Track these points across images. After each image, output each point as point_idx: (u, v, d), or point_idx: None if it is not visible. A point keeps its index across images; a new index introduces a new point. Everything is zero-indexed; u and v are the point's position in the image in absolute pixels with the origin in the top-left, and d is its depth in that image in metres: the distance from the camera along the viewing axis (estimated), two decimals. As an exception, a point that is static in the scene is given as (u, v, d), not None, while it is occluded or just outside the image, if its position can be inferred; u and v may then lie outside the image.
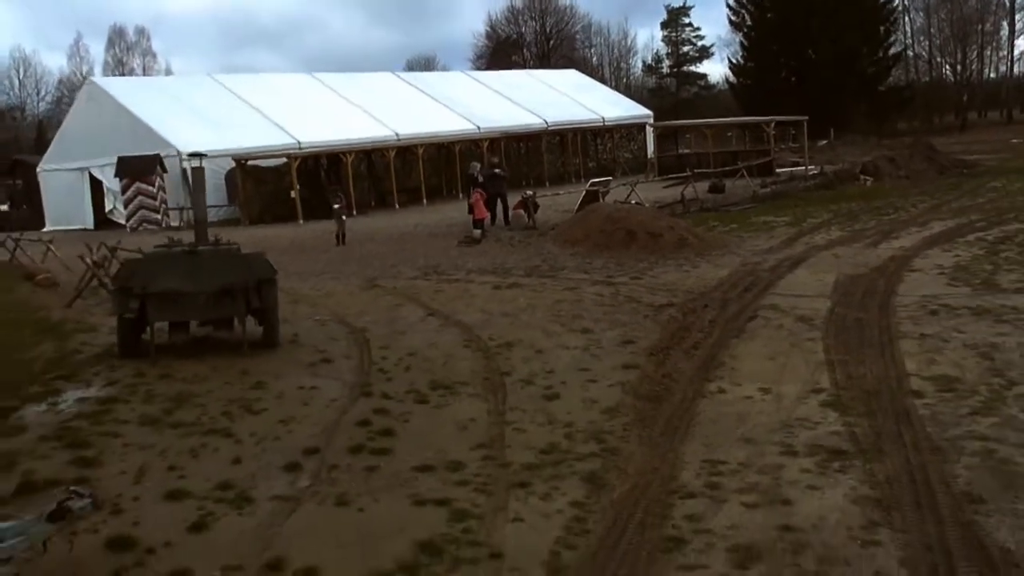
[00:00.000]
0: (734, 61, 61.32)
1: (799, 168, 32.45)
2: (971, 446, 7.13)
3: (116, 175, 27.71)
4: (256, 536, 6.04)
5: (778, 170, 32.20)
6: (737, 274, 15.30)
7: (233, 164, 27.46)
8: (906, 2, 64.53)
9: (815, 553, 5.53)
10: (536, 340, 11.35)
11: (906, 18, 65.07)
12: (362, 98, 33.96)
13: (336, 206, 21.22)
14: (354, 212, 23.91)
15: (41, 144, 61.22)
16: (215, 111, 30.30)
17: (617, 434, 7.87)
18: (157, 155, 27.31)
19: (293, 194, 26.84)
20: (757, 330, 11.46)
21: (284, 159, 28.00)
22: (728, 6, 60.05)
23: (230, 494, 6.74)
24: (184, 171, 27.45)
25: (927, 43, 66.07)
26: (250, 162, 27.84)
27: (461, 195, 29.97)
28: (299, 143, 29.37)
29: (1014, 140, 46.77)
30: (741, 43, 60.55)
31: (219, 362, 10.46)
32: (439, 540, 5.89)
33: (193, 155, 18.05)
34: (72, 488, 5.94)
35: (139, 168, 27.12)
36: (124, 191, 27.69)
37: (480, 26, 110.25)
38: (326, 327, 12.39)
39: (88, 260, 14.70)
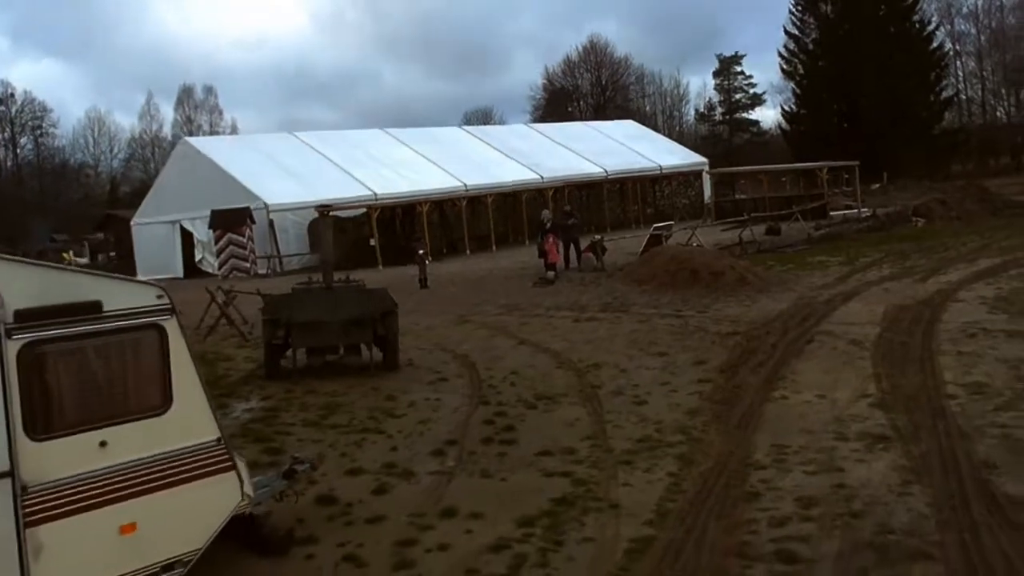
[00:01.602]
0: (787, 108, 63.20)
1: (852, 211, 33.99)
2: (992, 431, 8.81)
3: (209, 226, 30.45)
4: (427, 495, 8.03)
5: (832, 213, 33.77)
6: (795, 307, 16.98)
7: (316, 215, 29.98)
8: (957, 47, 65.98)
9: (861, 500, 7.30)
10: (619, 361, 13.24)
11: (957, 63, 66.43)
12: (432, 151, 36.55)
13: (420, 252, 23.45)
14: (429, 258, 26.09)
15: (114, 199, 65.27)
16: (297, 165, 33.06)
17: (699, 428, 9.71)
18: (247, 208, 29.99)
19: (373, 242, 29.21)
20: (814, 351, 13.19)
21: (363, 209, 30.47)
22: (780, 55, 62.17)
23: (396, 470, 8.74)
24: (271, 222, 30.06)
25: (980, 86, 67.20)
26: (331, 212, 30.35)
27: (528, 241, 32.13)
28: (375, 194, 31.88)
29: (1070, 181, 47.51)
30: (793, 90, 62.42)
31: (352, 381, 12.54)
32: (569, 497, 7.80)
33: (321, 207, 20.44)
34: (295, 455, 7.94)
35: (231, 220, 29.82)
36: (217, 241, 30.37)
37: (534, 78, 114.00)
38: (433, 354, 14.43)
39: (218, 301, 17.01)
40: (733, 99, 77.06)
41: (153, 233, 34.34)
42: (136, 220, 35.36)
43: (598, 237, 25.38)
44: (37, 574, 5.13)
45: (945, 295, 17.11)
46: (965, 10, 66.32)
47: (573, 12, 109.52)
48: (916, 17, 58.52)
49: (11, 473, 5.06)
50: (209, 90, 73.59)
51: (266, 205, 29.95)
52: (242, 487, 6.13)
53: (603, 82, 72.32)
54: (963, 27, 67.02)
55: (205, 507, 5.89)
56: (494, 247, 32.74)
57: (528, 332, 16.13)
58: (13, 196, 55.29)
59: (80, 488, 5.32)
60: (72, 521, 5.28)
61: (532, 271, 24.47)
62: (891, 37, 55.14)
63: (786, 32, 61.33)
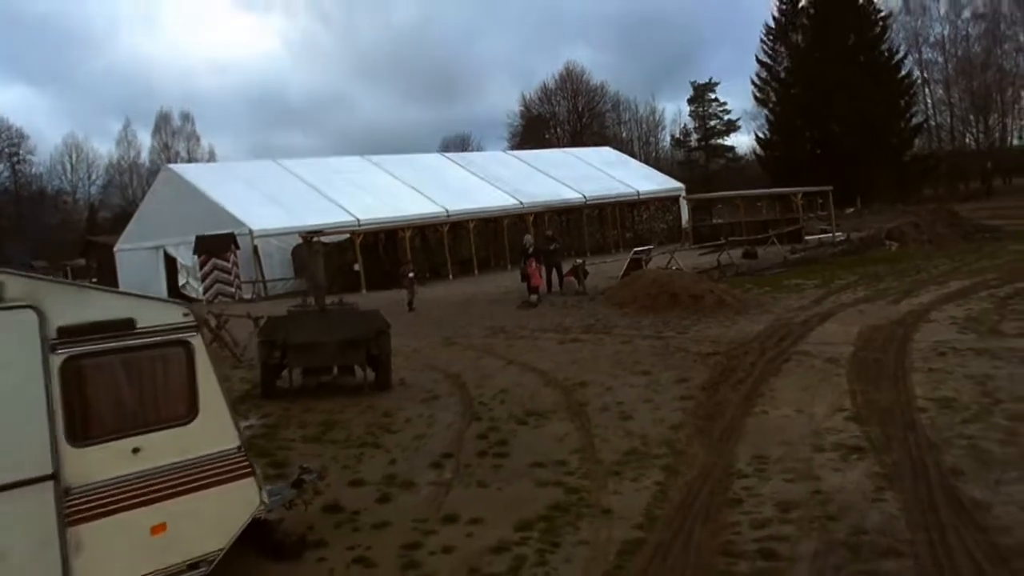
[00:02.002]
0: (760, 135, 64.56)
1: (827, 235, 34.86)
2: (959, 442, 9.38)
3: (194, 252, 30.76)
4: (428, 503, 8.47)
5: (807, 237, 34.62)
6: (772, 328, 17.59)
7: (300, 240, 30.41)
8: (925, 75, 67.74)
9: (837, 504, 7.83)
10: (604, 380, 13.74)
11: (926, 90, 68.17)
12: (413, 177, 37.13)
13: (411, 275, 23.92)
14: (417, 282, 26.52)
15: (93, 225, 65.24)
16: (280, 192, 33.49)
17: (683, 441, 10.22)
18: (231, 233, 30.34)
19: (357, 267, 29.64)
20: (791, 369, 13.76)
21: (347, 235, 30.92)
22: (752, 82, 63.57)
23: (397, 481, 9.18)
24: (255, 248, 30.42)
25: (948, 113, 68.92)
26: (315, 238, 30.78)
27: (510, 266, 32.67)
28: (358, 220, 32.36)
29: (1038, 205, 48.75)
30: (767, 117, 63.80)
31: (347, 400, 12.96)
32: (563, 504, 8.27)
33: (311, 234, 20.99)
34: (303, 465, 8.35)
35: (215, 246, 30.16)
36: (202, 267, 30.69)
37: (510, 103, 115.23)
38: (424, 374, 14.87)
39: (210, 325, 17.34)
40: (708, 125, 78.49)
41: (136, 259, 34.58)
42: (119, 246, 35.59)
43: (580, 261, 25.96)
44: (77, 570, 5.53)
45: (917, 316, 17.78)
46: (932, 39, 68.17)
47: (547, 39, 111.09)
48: (884, 46, 60.13)
49: (55, 476, 5.47)
50: (186, 116, 73.99)
51: (250, 231, 30.34)
52: (260, 492, 6.55)
53: (580, 109, 73.49)
54: (931, 55, 68.87)
55: (228, 510, 6.32)
56: (476, 272, 33.25)
57: (515, 353, 16.60)
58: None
59: (116, 491, 5.74)
60: (109, 521, 5.69)
61: (515, 295, 24.98)
62: (861, 65, 56.62)
63: (758, 60, 62.85)
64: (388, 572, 6.99)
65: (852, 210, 47.56)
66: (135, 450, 5.84)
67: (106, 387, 5.75)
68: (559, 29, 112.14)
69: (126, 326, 5.82)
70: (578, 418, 11.55)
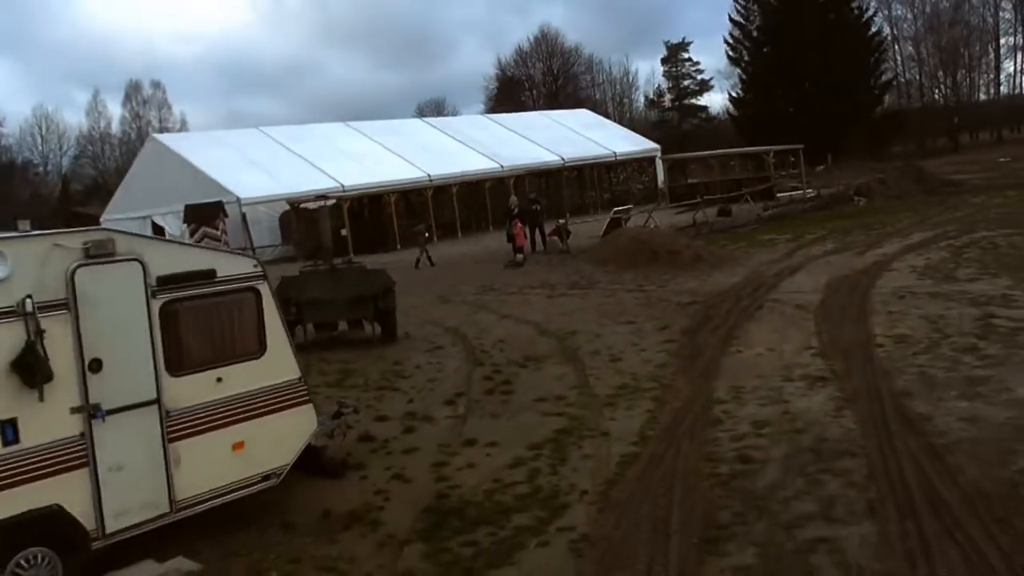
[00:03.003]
0: (733, 95, 65.75)
1: (798, 192, 36.25)
2: (910, 371, 10.76)
3: (184, 221, 31.56)
4: (448, 431, 9.77)
5: (779, 195, 35.99)
6: (746, 280, 18.94)
7: (287, 207, 31.37)
8: (895, 32, 69.14)
9: (803, 421, 9.18)
10: (592, 329, 15.03)
11: (896, 47, 69.60)
12: (394, 143, 38.03)
13: (426, 234, 25.48)
14: (432, 241, 27.81)
15: (66, 197, 65.36)
16: (266, 160, 34.31)
17: (668, 377, 11.54)
18: (220, 201, 31.17)
19: (344, 232, 30.65)
20: (764, 315, 15.11)
21: (333, 200, 31.86)
22: (726, 42, 64.65)
23: (417, 417, 10.46)
24: (243, 215, 31.33)
25: (917, 70, 70.47)
26: (301, 204, 31.74)
27: (491, 228, 33.83)
28: (343, 186, 33.30)
29: (1001, 159, 50.60)
30: (740, 77, 64.98)
31: (357, 352, 14.17)
32: (567, 428, 9.58)
33: (320, 197, 22.09)
34: (340, 401, 9.57)
35: (204, 214, 30.96)
36: (192, 235, 31.48)
37: (483, 66, 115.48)
38: (425, 328, 16.08)
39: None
40: (681, 85, 79.55)
41: (124, 229, 35.23)
42: (106, 216, 36.24)
43: (562, 221, 27.15)
44: (176, 479, 6.75)
45: (880, 266, 19.18)
46: (902, -5, 69.43)
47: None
48: (855, 3, 61.35)
49: (158, 401, 6.68)
50: (157, 85, 73.84)
51: (238, 199, 31.21)
52: (317, 418, 7.79)
53: (555, 71, 74.34)
54: (900, 12, 70.23)
55: (292, 431, 7.56)
56: (460, 234, 34.34)
57: (507, 308, 17.85)
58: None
59: (204, 414, 6.96)
60: (199, 439, 6.91)
61: (500, 255, 26.15)
62: (831, 24, 57.84)
63: (731, 20, 63.90)
64: (423, 484, 8.28)
65: (822, 167, 49.03)
66: (218, 380, 7.05)
67: (194, 326, 6.94)
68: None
69: (209, 275, 7.00)
70: (572, 361, 12.85)
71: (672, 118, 78.29)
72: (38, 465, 6.04)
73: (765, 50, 61.12)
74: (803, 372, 11.18)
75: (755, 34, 62.90)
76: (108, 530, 6.37)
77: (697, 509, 7.20)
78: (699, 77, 78.84)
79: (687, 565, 6.25)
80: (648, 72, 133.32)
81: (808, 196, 35.47)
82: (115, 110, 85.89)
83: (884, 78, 63.77)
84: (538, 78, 75.07)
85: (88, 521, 6.27)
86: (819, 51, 55.79)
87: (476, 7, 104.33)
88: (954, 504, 6.90)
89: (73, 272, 6.26)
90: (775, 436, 8.82)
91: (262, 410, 7.32)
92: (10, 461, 5.92)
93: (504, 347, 14.07)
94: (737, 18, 63.35)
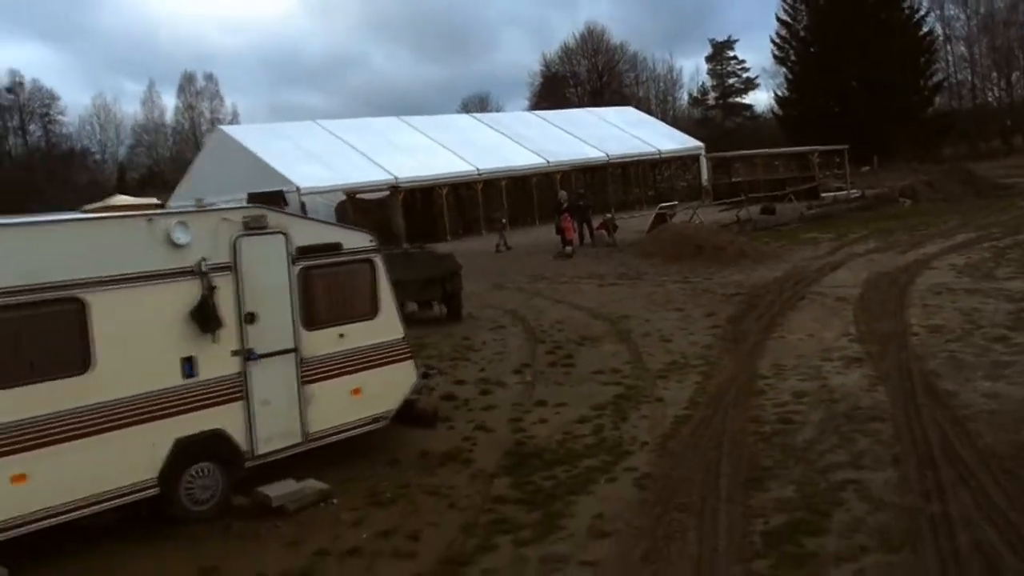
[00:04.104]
0: (779, 93, 66.40)
1: (842, 192, 37.17)
2: (941, 355, 11.96)
3: (245, 209, 33.27)
4: (520, 394, 11.20)
5: (823, 194, 36.92)
6: (789, 274, 20.11)
7: (344, 197, 32.98)
8: (947, 32, 69.27)
9: (839, 393, 10.45)
10: (642, 315, 16.36)
11: (947, 47, 69.72)
12: (445, 137, 39.53)
13: (503, 221, 28.49)
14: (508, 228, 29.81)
15: (123, 185, 67.79)
16: (323, 152, 35.97)
17: (715, 356, 12.85)
18: (280, 191, 32.85)
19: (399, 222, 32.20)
20: (805, 306, 16.33)
21: (387, 192, 33.47)
22: (772, 41, 65.29)
23: (491, 382, 11.89)
24: (303, 204, 32.99)
25: (970, 71, 70.54)
26: (357, 195, 33.36)
27: (538, 221, 35.22)
28: (396, 178, 34.85)
29: (1053, 163, 50.71)
30: (785, 75, 65.61)
31: (428, 330, 15.62)
32: (624, 395, 10.95)
33: (391, 188, 23.76)
34: (427, 364, 11.04)
35: (266, 203, 32.58)
36: (252, 222, 33.21)
37: (526, 60, 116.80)
38: (485, 311, 17.52)
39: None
40: (726, 83, 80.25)
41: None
42: (171, 204, 38.15)
43: (610, 215, 28.49)
44: (308, 414, 8.25)
45: (921, 264, 20.24)
46: (955, -5, 69.52)
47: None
48: (906, 3, 61.70)
49: (296, 349, 8.17)
50: (209, 77, 76.23)
51: (298, 188, 32.85)
52: (417, 372, 9.26)
53: (600, 68, 75.50)
54: (953, 12, 70.32)
55: (398, 382, 9.04)
56: (508, 227, 35.78)
57: (560, 295, 19.23)
58: (24, 182, 57.81)
59: (330, 362, 8.45)
60: (326, 383, 8.39)
61: (549, 248, 27.52)
62: (881, 23, 58.29)
63: (778, 19, 64.50)
64: (503, 434, 9.71)
65: (868, 168, 49.68)
66: (341, 335, 8.53)
67: (324, 289, 8.43)
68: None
69: (336, 247, 8.49)
70: (625, 341, 14.20)
71: (716, 116, 79.03)
72: (208, 395, 7.57)
73: (812, 50, 61.70)
74: (841, 354, 12.42)
75: (802, 33, 63.50)
76: (257, 452, 7.89)
77: (743, 457, 8.53)
78: (744, 75, 79.57)
79: (735, 496, 7.58)
80: (692, 70, 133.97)
81: (852, 196, 36.36)
82: (169, 101, 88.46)
83: (935, 79, 64.00)
84: (583, 75, 76.31)
85: (243, 443, 7.80)
86: (868, 51, 56.30)
87: (521, 3, 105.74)
88: (969, 459, 8.16)
89: (236, 240, 7.78)
90: (813, 404, 10.11)
91: (375, 362, 8.80)
92: (189, 391, 7.44)
93: (561, 328, 15.45)
94: (784, 17, 63.97)
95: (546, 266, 24.47)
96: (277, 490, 7.83)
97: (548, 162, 40.02)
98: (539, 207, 36.71)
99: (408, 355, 9.21)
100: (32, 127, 68.39)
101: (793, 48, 63.81)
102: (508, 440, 9.51)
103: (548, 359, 13.13)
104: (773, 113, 69.05)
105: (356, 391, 8.62)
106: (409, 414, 9.82)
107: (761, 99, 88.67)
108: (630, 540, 6.86)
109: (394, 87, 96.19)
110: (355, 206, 33.18)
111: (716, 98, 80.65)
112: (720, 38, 79.14)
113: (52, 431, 6.71)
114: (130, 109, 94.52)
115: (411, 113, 42.90)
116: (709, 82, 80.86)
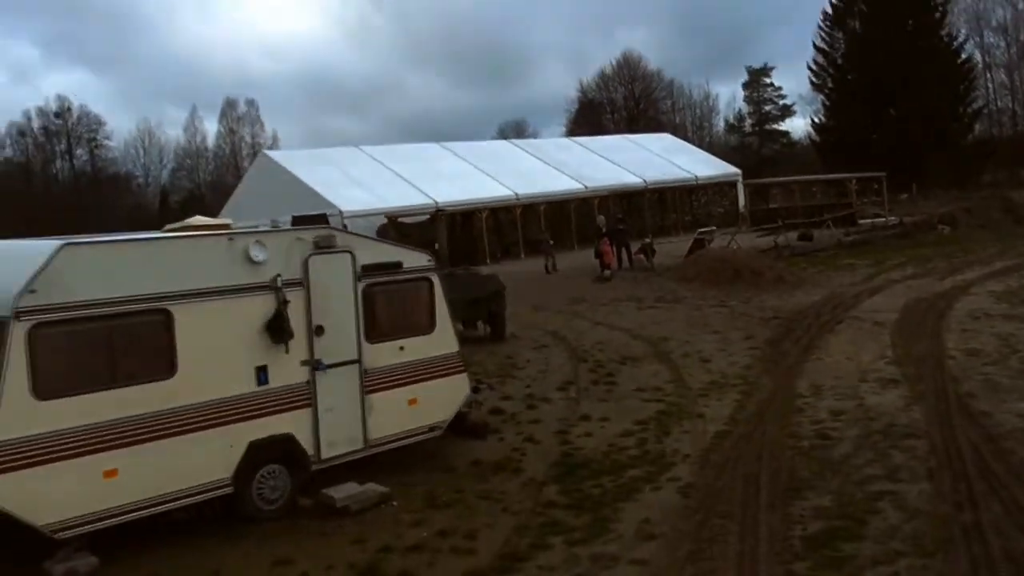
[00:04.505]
0: (816, 120, 66.51)
1: (880, 219, 37.27)
2: (977, 377, 12.27)
3: (289, 232, 34.18)
4: (565, 409, 11.69)
5: (861, 221, 37.05)
6: (826, 299, 20.41)
7: (385, 221, 33.74)
8: (987, 59, 69.10)
9: (875, 412, 10.81)
10: (682, 336, 16.77)
11: (988, 75, 69.51)
12: (484, 163, 40.26)
13: (550, 242, 29.58)
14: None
15: (165, 209, 69.43)
16: (365, 176, 36.84)
17: (753, 376, 13.24)
18: (324, 214, 33.66)
19: (437, 246, 32.86)
20: (843, 330, 16.65)
21: (427, 216, 34.20)
22: (809, 68, 65.53)
23: (536, 398, 12.39)
24: (345, 227, 33.81)
25: (1010, 98, 70.25)
26: (399, 219, 34.13)
27: (576, 246, 35.71)
28: (436, 203, 35.58)
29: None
30: (823, 103, 65.73)
31: (472, 348, 15.98)
32: (666, 411, 11.39)
33: (437, 212, 24.40)
34: (478, 379, 11.56)
35: (312, 225, 33.51)
36: (295, 245, 34.11)
37: (562, 87, 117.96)
38: (528, 331, 18.01)
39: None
40: (763, 110, 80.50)
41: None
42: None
43: (648, 240, 28.92)
44: (369, 422, 8.80)
45: (959, 290, 20.46)
46: (994, 23, 69.42)
47: (601, 20, 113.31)
48: (944, 31, 61.72)
49: (359, 361, 8.74)
50: (251, 103, 77.75)
51: (341, 212, 33.65)
52: (469, 385, 9.79)
53: (636, 95, 76.15)
54: (992, 40, 70.14)
55: (452, 393, 9.58)
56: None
57: (599, 316, 19.69)
58: (72, 205, 59.53)
59: (389, 374, 9.00)
60: (386, 393, 8.95)
61: (588, 271, 27.99)
62: (920, 51, 58.31)
63: (815, 47, 64.74)
64: (550, 445, 10.19)
65: (906, 195, 49.64)
66: (400, 348, 9.09)
67: (386, 305, 9.01)
68: (613, 11, 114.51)
69: (397, 266, 9.08)
70: (666, 361, 14.63)
71: (752, 143, 79.24)
72: (279, 402, 8.15)
73: (849, 77, 61.82)
74: (877, 376, 12.76)
75: (839, 61, 63.69)
76: (323, 456, 8.46)
77: (782, 469, 8.94)
78: (781, 102, 79.76)
79: (775, 504, 7.99)
80: (729, 97, 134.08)
81: (890, 223, 36.46)
82: (211, 126, 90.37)
83: (974, 106, 63.80)
84: (619, 102, 76.97)
85: (310, 447, 8.36)
86: (906, 78, 56.36)
87: (556, 30, 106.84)
88: (1001, 473, 8.51)
89: (307, 259, 8.38)
90: (850, 422, 10.48)
91: (431, 374, 9.34)
92: (262, 397, 8.03)
93: (603, 348, 15.91)
94: (821, 44, 64.22)
95: (585, 289, 24.91)
96: (341, 492, 8.36)
97: (586, 187, 40.56)
98: (577, 232, 37.19)
99: (462, 368, 9.75)
100: (79, 151, 70.33)
101: (830, 75, 63.96)
102: (555, 451, 9.99)
103: (591, 377, 13.60)
104: (810, 140, 69.15)
105: (413, 401, 9.16)
106: (461, 425, 10.33)
107: (798, 126, 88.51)
108: (675, 542, 7.30)
109: (431, 113, 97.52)
110: (396, 230, 33.94)
111: (752, 125, 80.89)
112: (756, 65, 79.53)
113: (140, 431, 7.31)
114: (173, 134, 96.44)
115: (448, 139, 43.75)
116: (745, 109, 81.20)
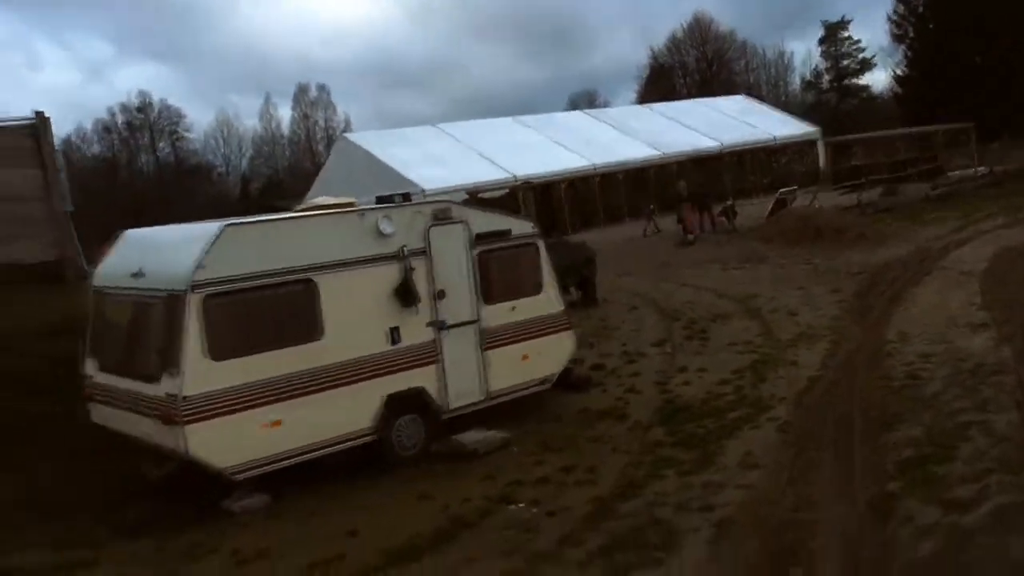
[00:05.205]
0: (898, 73, 65.17)
1: (968, 171, 36.83)
2: (1064, 318, 12.71)
3: (373, 212, 35.54)
4: (662, 363, 12.57)
5: (948, 173, 36.67)
6: (913, 253, 20.67)
7: (466, 196, 34.83)
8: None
9: (964, 354, 11.36)
10: (768, 293, 17.38)
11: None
12: (559, 135, 41.04)
13: (651, 207, 31.43)
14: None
15: (246, 196, 71.89)
16: (443, 154, 37.99)
17: (842, 327, 13.86)
18: (407, 193, 34.86)
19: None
20: (930, 281, 17.02)
21: (506, 190, 35.16)
22: (889, 19, 64.23)
23: (633, 354, 13.27)
24: (426, 205, 35.02)
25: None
26: (479, 195, 35.16)
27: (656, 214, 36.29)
28: (515, 176, 36.52)
29: None
30: (904, 54, 64.36)
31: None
32: (760, 360, 12.14)
33: (521, 184, 25.38)
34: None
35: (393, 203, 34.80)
36: (380, 224, 35.46)
37: (631, 56, 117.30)
38: (617, 295, 18.85)
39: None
40: (840, 65, 78.98)
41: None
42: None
43: (729, 202, 29.39)
44: (488, 376, 9.83)
45: (1051, 237, 20.54)
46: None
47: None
48: (1032, -28, 59.78)
49: (476, 321, 9.76)
50: (322, 88, 79.67)
51: (422, 190, 34.85)
52: (574, 341, 10.73)
53: (709, 58, 75.67)
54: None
55: (559, 349, 10.56)
56: (626, 219, 37.06)
57: (686, 278, 20.39)
58: (162, 196, 62.21)
59: (503, 332, 10.00)
60: (501, 350, 9.97)
61: (670, 237, 28.63)
62: (1005, -4, 56.76)
63: (894, -4, 63.38)
64: (651, 394, 11.09)
65: (996, 144, 48.63)
66: (512, 309, 10.09)
67: (498, 270, 10.01)
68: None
69: (507, 234, 10.06)
70: (755, 317, 15.32)
71: (831, 99, 77.93)
72: (410, 359, 9.23)
73: (931, 26, 60.45)
74: (967, 321, 13.24)
75: (921, 10, 62.26)
76: (450, 407, 9.53)
77: (874, 407, 9.64)
78: (860, 56, 78.14)
79: (868, 437, 8.74)
80: (804, 54, 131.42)
81: (980, 174, 36.02)
82: (285, 113, 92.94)
83: (1067, 50, 61.72)
84: (691, 65, 76.61)
85: (439, 399, 9.44)
86: (992, 25, 54.94)
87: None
88: (1086, 403, 9.08)
89: (428, 229, 9.42)
90: (939, 363, 11.08)
91: (540, 332, 10.33)
92: (397, 355, 9.12)
93: (692, 307, 16.66)
94: (901, -6, 62.89)
95: (668, 253, 25.60)
96: (468, 437, 9.43)
97: (663, 154, 41.02)
98: (656, 198, 37.73)
99: (568, 326, 10.70)
100: (161, 144, 73.21)
101: (912, 25, 62.59)
102: (657, 399, 10.87)
103: (684, 334, 14.40)
104: (892, 93, 67.82)
105: (525, 357, 10.15)
106: (566, 379, 11.27)
107: (878, 79, 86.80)
108: (776, 471, 8.13)
109: (497, 88, 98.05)
110: (526, 195, 34.82)
111: (830, 81, 79.44)
112: (833, 19, 78.03)
113: (297, 387, 8.44)
114: (249, 122, 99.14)
115: (517, 113, 44.60)
116: (823, 65, 79.80)
